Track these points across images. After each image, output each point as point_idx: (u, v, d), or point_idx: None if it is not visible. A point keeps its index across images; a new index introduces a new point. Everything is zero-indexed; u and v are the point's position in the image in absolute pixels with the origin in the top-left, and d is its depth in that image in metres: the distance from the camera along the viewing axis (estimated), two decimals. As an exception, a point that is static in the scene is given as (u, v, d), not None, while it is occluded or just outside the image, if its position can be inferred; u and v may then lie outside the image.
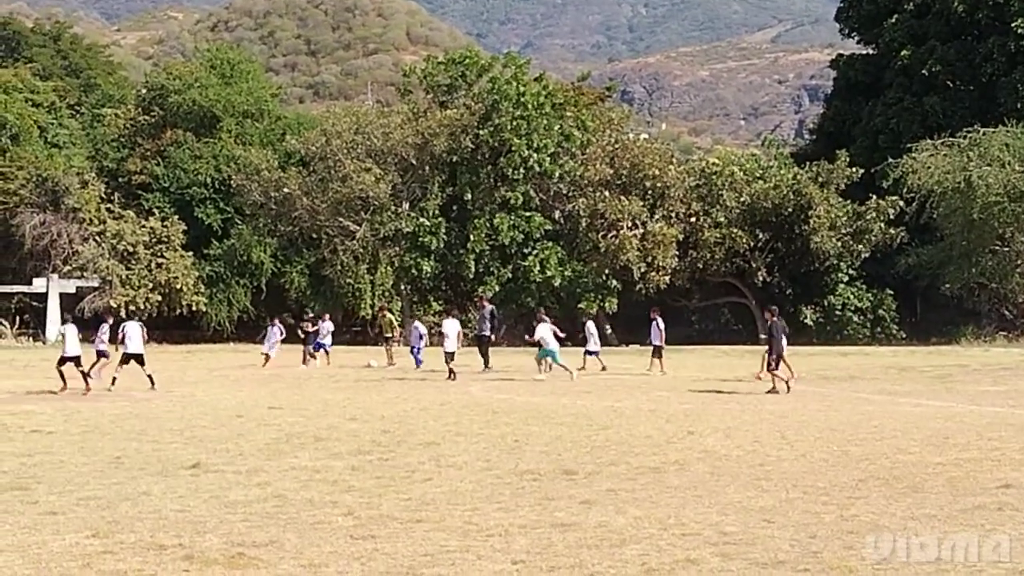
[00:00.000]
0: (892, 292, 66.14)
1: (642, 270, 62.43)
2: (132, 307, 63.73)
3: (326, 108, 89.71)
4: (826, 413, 24.20)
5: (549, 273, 63.53)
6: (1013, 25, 67.61)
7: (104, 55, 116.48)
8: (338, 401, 27.64)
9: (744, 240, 64.14)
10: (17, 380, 31.46)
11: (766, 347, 32.38)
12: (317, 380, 35.44)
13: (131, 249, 66.12)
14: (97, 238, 66.89)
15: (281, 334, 43.12)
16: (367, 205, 64.94)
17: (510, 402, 27.33)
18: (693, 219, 65.19)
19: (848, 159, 65.67)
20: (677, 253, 63.61)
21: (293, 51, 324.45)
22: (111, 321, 35.49)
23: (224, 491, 14.43)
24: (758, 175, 67.02)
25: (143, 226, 66.90)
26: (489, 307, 40.92)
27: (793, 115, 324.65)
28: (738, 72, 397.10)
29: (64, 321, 36.54)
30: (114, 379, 31.21)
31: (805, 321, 65.00)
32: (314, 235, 67.81)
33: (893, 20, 73.50)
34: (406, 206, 65.82)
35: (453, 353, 35.75)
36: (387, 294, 67.43)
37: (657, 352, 38.70)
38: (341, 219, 65.43)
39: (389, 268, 67.25)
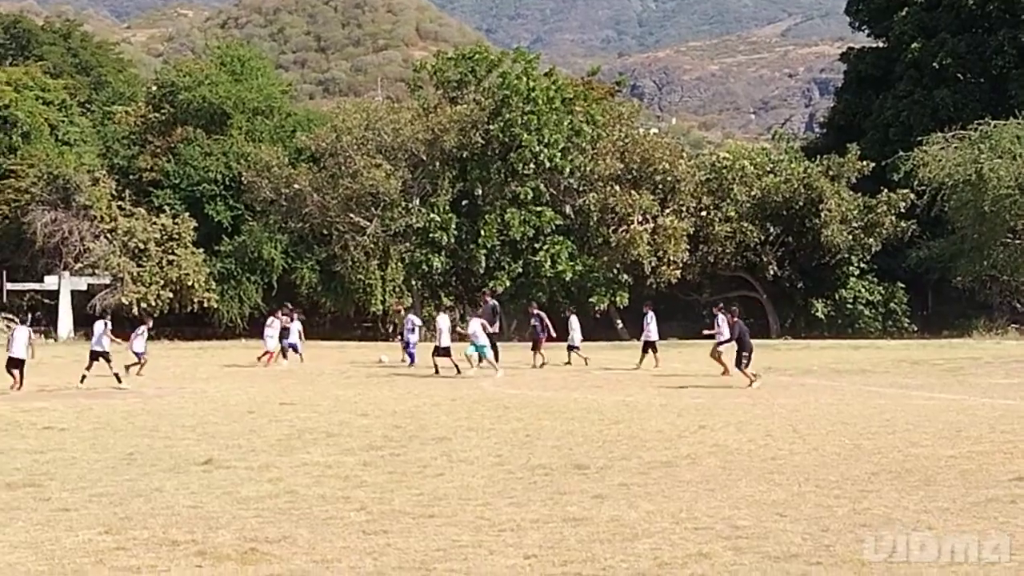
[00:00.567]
0: (903, 285, 65.99)
1: (653, 264, 62.35)
2: (144, 304, 63.85)
3: (336, 104, 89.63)
4: (838, 407, 24.18)
5: (560, 268, 63.46)
6: (1023, 18, 67.46)
7: (114, 53, 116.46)
8: (349, 397, 27.65)
9: (755, 234, 64.04)
10: (29, 377, 31.47)
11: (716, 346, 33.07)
12: (329, 376, 35.42)
13: (142, 246, 66.12)
14: (108, 235, 66.92)
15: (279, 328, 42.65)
16: (378, 201, 64.93)
17: (521, 397, 27.34)
18: (704, 213, 65.09)
19: (859, 152, 65.51)
20: (688, 247, 63.50)
21: (303, 48, 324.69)
22: (109, 320, 35.29)
23: (236, 487, 14.46)
24: (768, 169, 66.86)
25: (154, 223, 66.91)
26: (492, 302, 40.95)
27: (803, 109, 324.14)
28: (748, 66, 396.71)
29: (22, 322, 36.46)
30: (83, 377, 31.30)
31: (817, 315, 64.96)
32: (325, 231, 67.79)
33: (903, 13, 73.33)
34: (416, 202, 65.79)
35: (448, 348, 35.68)
36: (398, 290, 67.39)
37: (650, 347, 38.49)
38: (352, 215, 65.44)
39: (400, 264, 67.18)
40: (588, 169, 65.28)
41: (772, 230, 64.81)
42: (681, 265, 63.09)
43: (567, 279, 63.46)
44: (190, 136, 72.06)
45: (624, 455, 17.07)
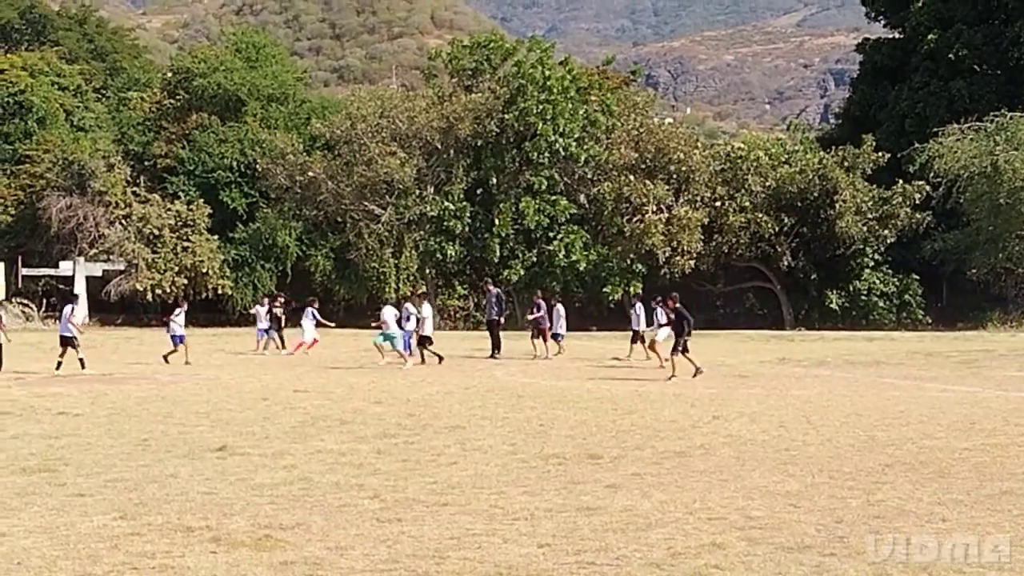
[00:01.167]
0: (918, 277, 65.91)
1: (667, 254, 62.36)
2: (159, 290, 64.02)
3: (351, 92, 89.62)
4: (852, 398, 24.13)
5: (574, 257, 63.51)
6: (1040, 9, 67.36)
7: (130, 39, 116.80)
8: (363, 385, 27.66)
9: (769, 225, 63.98)
10: (44, 363, 31.58)
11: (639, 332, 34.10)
12: (342, 363, 35.41)
13: (157, 232, 66.29)
14: (123, 221, 67.08)
15: (313, 318, 42.44)
16: (392, 189, 65.00)
17: (535, 386, 27.34)
18: (718, 203, 65.05)
19: (874, 144, 65.42)
20: (702, 237, 63.49)
21: (318, 35, 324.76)
22: (76, 303, 35.17)
23: (250, 474, 14.48)
24: (783, 159, 66.79)
25: (169, 209, 67.08)
26: (495, 291, 40.83)
27: (819, 99, 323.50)
28: (763, 56, 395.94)
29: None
30: (59, 364, 31.39)
31: (831, 306, 64.95)
32: (339, 219, 67.88)
33: (919, 4, 73.18)
34: (431, 190, 65.84)
35: (430, 338, 35.50)
36: (412, 278, 67.42)
37: (637, 338, 38.21)
38: (366, 203, 65.52)
39: (414, 252, 67.22)
40: (603, 158, 65.29)
41: (787, 221, 64.75)
42: (695, 255, 63.11)
43: (581, 269, 63.53)
44: (205, 123, 72.15)
45: (638, 445, 17.06)
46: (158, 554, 10.13)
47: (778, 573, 9.52)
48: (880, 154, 64.77)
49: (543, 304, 39.06)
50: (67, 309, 32.97)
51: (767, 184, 65.04)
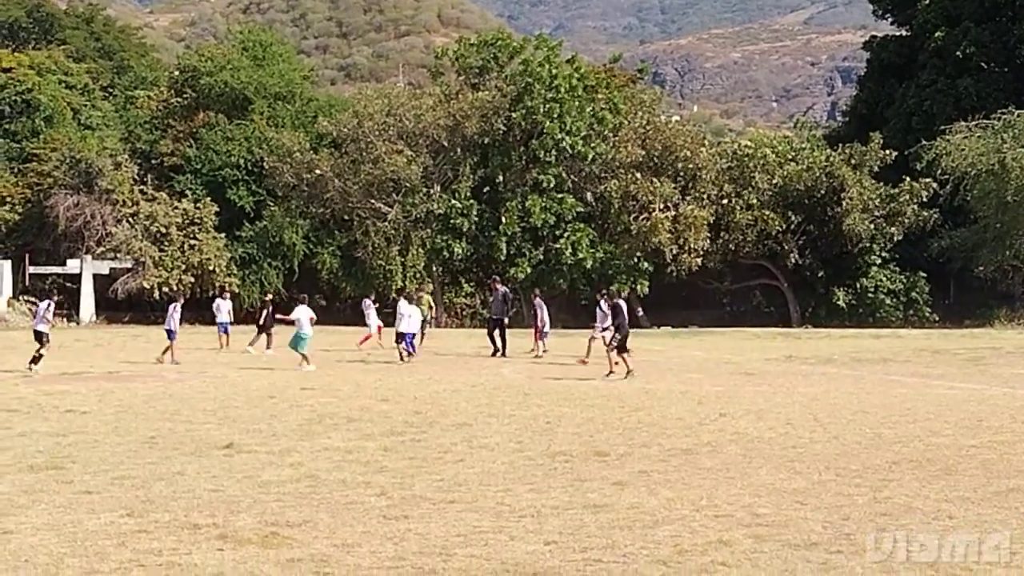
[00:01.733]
0: (925, 274, 65.85)
1: (674, 252, 62.37)
2: (166, 288, 64.06)
3: (358, 90, 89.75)
4: (859, 395, 24.14)
5: (581, 255, 63.48)
6: (1048, 6, 67.31)
7: (137, 37, 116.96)
8: (370, 382, 27.68)
9: (776, 222, 63.93)
10: (51, 360, 31.57)
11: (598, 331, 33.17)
12: (349, 361, 35.38)
13: (164, 231, 66.32)
14: (130, 219, 67.11)
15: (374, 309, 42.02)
16: (399, 187, 65.03)
17: (542, 384, 27.35)
18: (725, 201, 65.02)
19: (881, 141, 65.36)
20: (709, 235, 63.49)
21: (325, 33, 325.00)
22: (55, 298, 34.97)
23: (257, 471, 14.50)
24: (790, 157, 66.76)
25: (176, 208, 67.12)
26: (502, 289, 40.57)
27: (826, 97, 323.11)
28: (770, 54, 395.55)
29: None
30: (32, 360, 30.76)
31: (838, 303, 64.89)
32: (346, 217, 67.89)
33: (927, 1, 73.16)
34: (438, 188, 65.84)
35: (413, 335, 35.26)
36: (419, 276, 67.40)
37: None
38: (373, 201, 65.54)
39: (421, 250, 67.19)
40: (609, 156, 65.27)
41: (793, 218, 64.71)
42: (702, 253, 63.14)
43: (588, 267, 63.51)
44: (212, 121, 72.17)
45: (644, 442, 17.07)
46: (165, 551, 10.16)
47: (785, 570, 9.53)
48: (887, 152, 64.73)
49: (540, 303, 38.75)
50: (43, 305, 32.60)
51: (774, 182, 65.01)
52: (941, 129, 62.85)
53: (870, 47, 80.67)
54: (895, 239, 64.45)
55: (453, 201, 64.47)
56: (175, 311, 36.23)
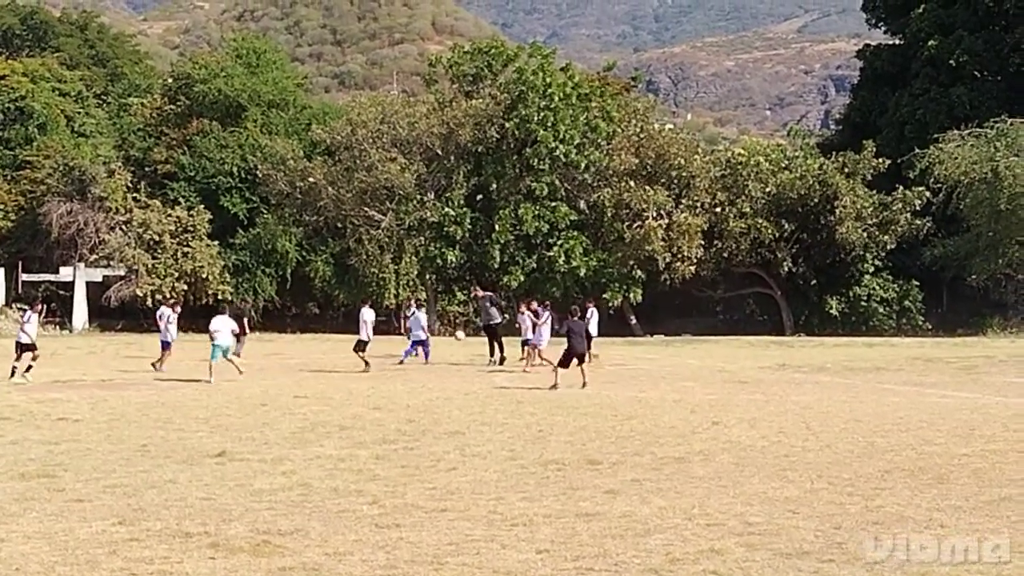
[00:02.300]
0: (918, 283, 65.87)
1: (667, 260, 62.36)
2: (159, 296, 64.05)
3: (351, 98, 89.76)
4: (851, 404, 24.15)
5: (574, 263, 63.46)
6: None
7: (131, 44, 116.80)
8: (363, 390, 27.68)
9: (769, 230, 63.94)
10: (44, 368, 31.56)
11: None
12: (342, 369, 35.34)
13: (157, 238, 66.28)
14: (123, 227, 67.11)
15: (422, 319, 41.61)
16: (392, 195, 65.02)
17: (535, 392, 27.35)
18: (718, 209, 64.99)
19: (874, 149, 65.40)
20: (702, 243, 63.46)
21: (319, 40, 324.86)
22: (40, 308, 34.72)
23: (249, 479, 14.50)
24: (784, 165, 66.74)
25: (169, 215, 67.06)
26: (486, 294, 40.43)
27: (819, 105, 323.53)
28: (764, 62, 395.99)
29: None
30: (25, 368, 30.45)
31: (831, 312, 64.91)
32: (339, 224, 67.86)
33: (920, 10, 73.21)
34: (431, 196, 65.85)
35: (363, 342, 35.09)
36: (412, 284, 67.35)
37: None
38: (366, 209, 65.51)
39: (414, 258, 67.10)
40: (603, 164, 65.30)
41: (787, 227, 64.71)
42: (695, 261, 63.11)
43: (581, 275, 63.50)
44: (205, 128, 72.16)
45: (637, 451, 17.09)
46: (156, 560, 10.15)
47: (776, 579, 9.54)
48: (880, 160, 64.77)
49: (538, 311, 37.94)
50: (27, 315, 32.31)
51: (767, 190, 65.01)
52: (934, 137, 62.95)
53: (863, 56, 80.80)
54: (888, 247, 64.48)
55: (446, 209, 64.48)
56: (171, 320, 35.95)
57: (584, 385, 27.84)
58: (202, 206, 67.90)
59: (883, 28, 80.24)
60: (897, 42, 78.03)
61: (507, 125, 64.76)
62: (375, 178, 63.93)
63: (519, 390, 27.85)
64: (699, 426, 20.19)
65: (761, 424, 20.43)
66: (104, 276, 66.74)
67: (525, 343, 37.19)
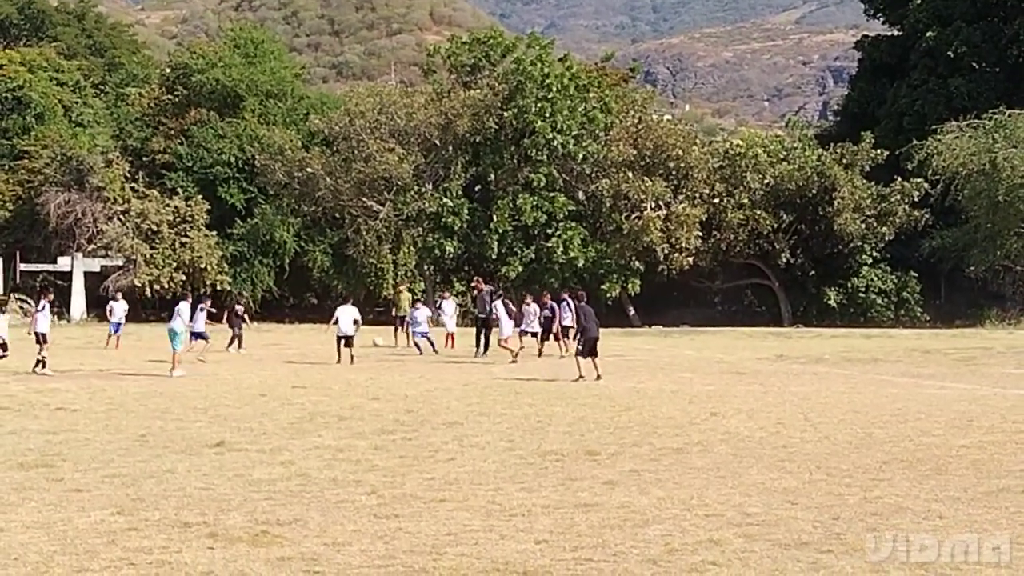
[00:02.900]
0: (916, 274, 65.85)
1: (665, 251, 62.36)
2: (157, 286, 64.10)
3: (349, 88, 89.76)
4: (850, 395, 24.14)
5: (572, 254, 63.45)
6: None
7: (128, 34, 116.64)
8: (361, 381, 27.67)
9: (768, 222, 63.93)
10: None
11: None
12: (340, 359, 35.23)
13: (155, 228, 66.31)
14: (121, 217, 67.10)
15: (456, 309, 41.44)
16: (390, 185, 65.00)
17: (533, 383, 27.34)
18: (717, 200, 64.99)
19: (873, 141, 65.42)
20: (700, 234, 63.47)
21: (316, 31, 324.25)
22: (51, 298, 34.65)
23: (248, 469, 14.49)
24: (782, 156, 66.67)
25: (167, 205, 67.08)
26: (487, 288, 40.29)
27: (817, 96, 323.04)
28: (762, 53, 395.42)
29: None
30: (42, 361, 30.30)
31: (829, 303, 64.89)
32: (337, 215, 67.90)
33: (918, 1, 73.18)
34: (429, 186, 65.85)
35: (351, 337, 35.00)
36: (410, 274, 67.37)
37: (564, 332, 36.80)
38: (364, 199, 65.50)
39: (412, 248, 67.13)
40: (601, 155, 65.30)
41: (785, 218, 64.72)
42: (693, 252, 63.15)
43: (579, 265, 63.49)
44: (203, 118, 72.12)
45: (635, 442, 17.08)
46: (155, 549, 10.15)
47: (775, 570, 9.54)
48: (879, 151, 64.78)
49: (554, 305, 37.61)
50: (41, 304, 32.23)
51: (765, 181, 64.97)
52: (932, 129, 62.88)
53: (862, 47, 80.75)
54: (886, 239, 64.48)
55: (444, 199, 64.47)
56: (200, 312, 35.33)
57: (579, 379, 27.50)
58: (200, 196, 67.92)
59: (881, 19, 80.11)
60: (895, 33, 77.92)
61: (505, 115, 64.75)
62: (373, 168, 63.91)
63: (517, 381, 27.84)
64: (697, 417, 20.18)
65: (759, 415, 20.42)
66: (102, 266, 66.75)
67: (564, 330, 36.65)
